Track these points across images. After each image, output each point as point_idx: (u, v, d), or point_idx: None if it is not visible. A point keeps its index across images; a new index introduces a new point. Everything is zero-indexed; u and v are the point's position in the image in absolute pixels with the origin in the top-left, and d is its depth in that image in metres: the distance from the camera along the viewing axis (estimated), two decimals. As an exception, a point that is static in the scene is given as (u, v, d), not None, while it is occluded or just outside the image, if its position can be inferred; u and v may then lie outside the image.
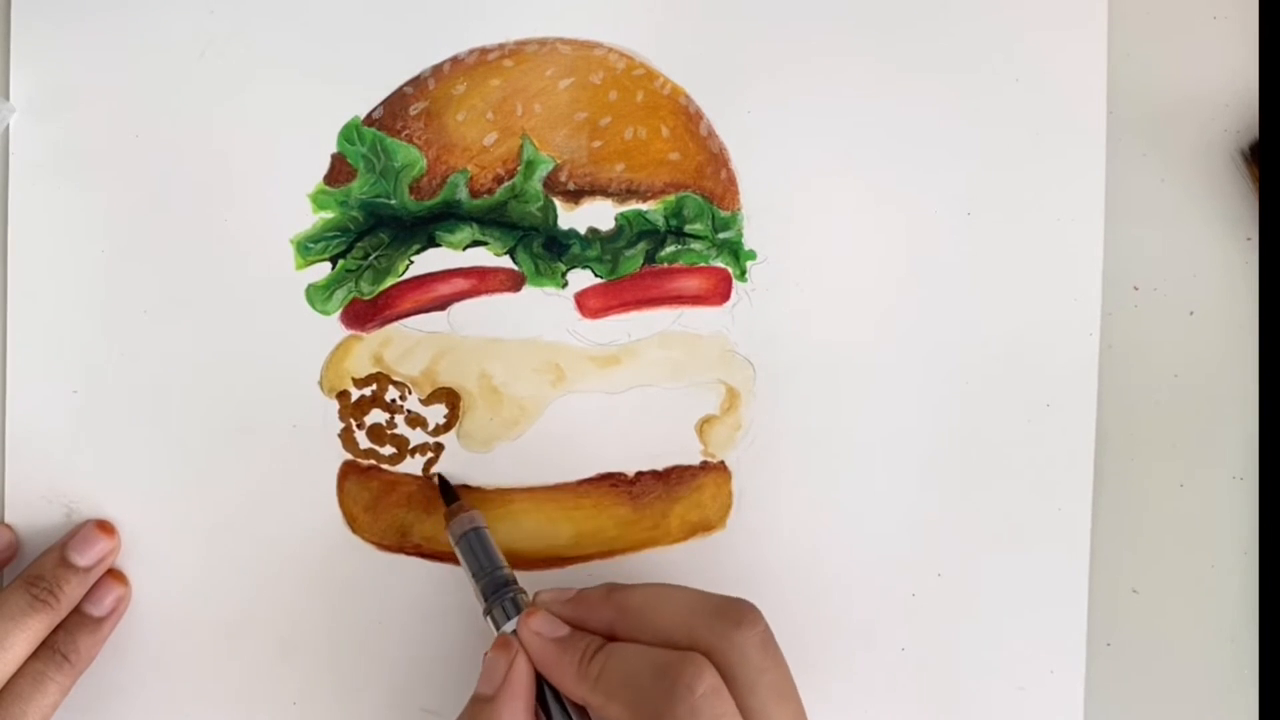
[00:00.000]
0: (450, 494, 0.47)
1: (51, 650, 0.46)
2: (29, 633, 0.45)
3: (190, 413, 0.48)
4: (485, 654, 0.43)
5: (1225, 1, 0.49)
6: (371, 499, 0.48)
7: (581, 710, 0.42)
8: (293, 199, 0.48)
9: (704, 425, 0.48)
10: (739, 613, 0.41)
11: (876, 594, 0.48)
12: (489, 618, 0.44)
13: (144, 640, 0.48)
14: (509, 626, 0.43)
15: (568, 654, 0.41)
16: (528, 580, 0.48)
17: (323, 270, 0.48)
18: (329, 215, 0.48)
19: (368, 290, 0.48)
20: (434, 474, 0.48)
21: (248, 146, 0.48)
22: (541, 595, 0.44)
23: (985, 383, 0.48)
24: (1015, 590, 0.48)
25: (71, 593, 0.46)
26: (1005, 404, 0.48)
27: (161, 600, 0.48)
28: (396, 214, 0.48)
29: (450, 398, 0.48)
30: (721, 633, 0.40)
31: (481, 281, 0.48)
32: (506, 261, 0.48)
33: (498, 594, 0.44)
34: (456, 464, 0.48)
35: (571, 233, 0.48)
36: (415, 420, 0.48)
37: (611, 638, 0.42)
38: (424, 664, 0.48)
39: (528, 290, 0.48)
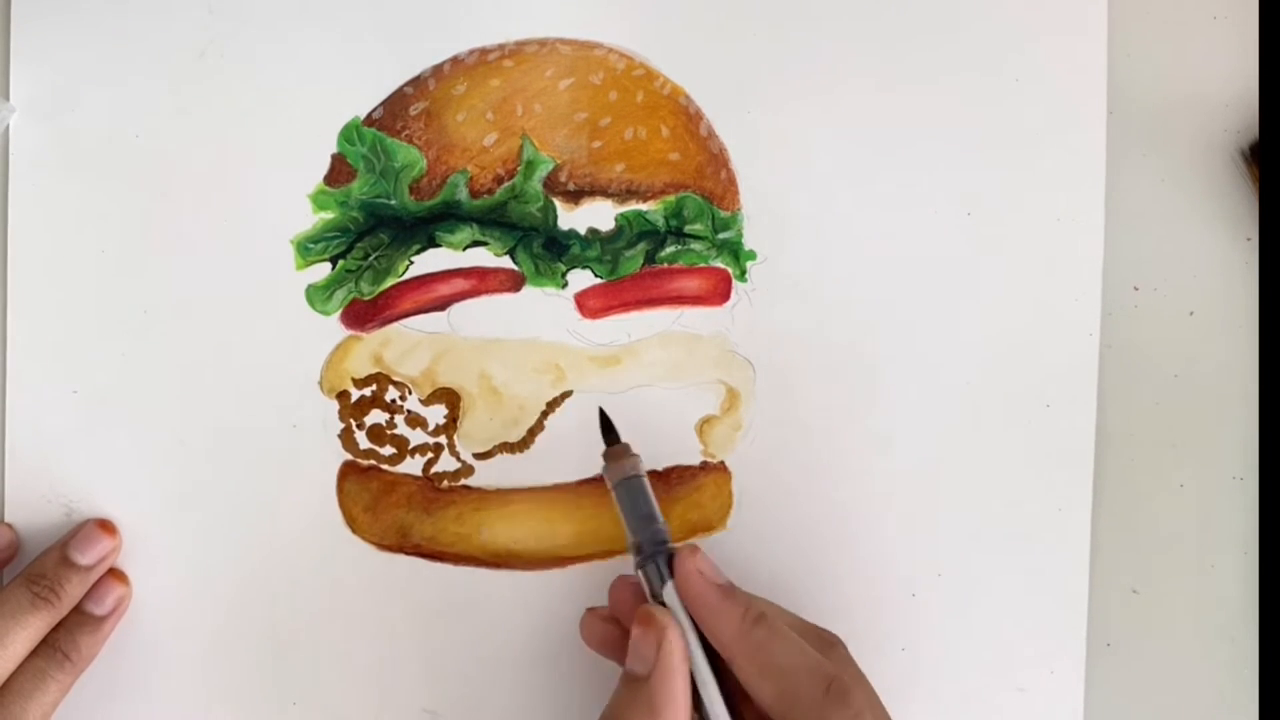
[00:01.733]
0: (612, 433, 0.45)
1: (52, 648, 0.46)
2: (29, 630, 0.45)
3: (190, 413, 0.48)
4: (631, 628, 0.42)
5: (1225, 1, 0.49)
6: (371, 499, 0.48)
7: (730, 687, 0.41)
8: (293, 199, 0.48)
9: (704, 425, 0.48)
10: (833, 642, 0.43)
11: (876, 594, 0.48)
12: (641, 572, 0.42)
13: (144, 640, 0.48)
14: (667, 590, 0.42)
15: (729, 604, 0.41)
16: (527, 579, 0.48)
17: (323, 270, 0.48)
18: (329, 215, 0.48)
19: (368, 290, 0.48)
20: (599, 408, 0.46)
21: (248, 146, 0.48)
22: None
23: (985, 383, 0.48)
24: (1015, 590, 0.48)
25: (72, 591, 0.46)
26: (1005, 404, 0.48)
27: (161, 600, 0.48)
28: (396, 214, 0.48)
29: (450, 398, 0.48)
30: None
31: (481, 281, 0.48)
32: (506, 262, 0.48)
33: (656, 550, 0.42)
34: (454, 465, 0.48)
35: (571, 233, 0.48)
36: (415, 420, 0.48)
37: None
38: (424, 664, 0.48)
39: (528, 290, 0.48)
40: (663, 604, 0.42)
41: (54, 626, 0.46)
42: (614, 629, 0.44)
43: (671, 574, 0.42)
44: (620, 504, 0.44)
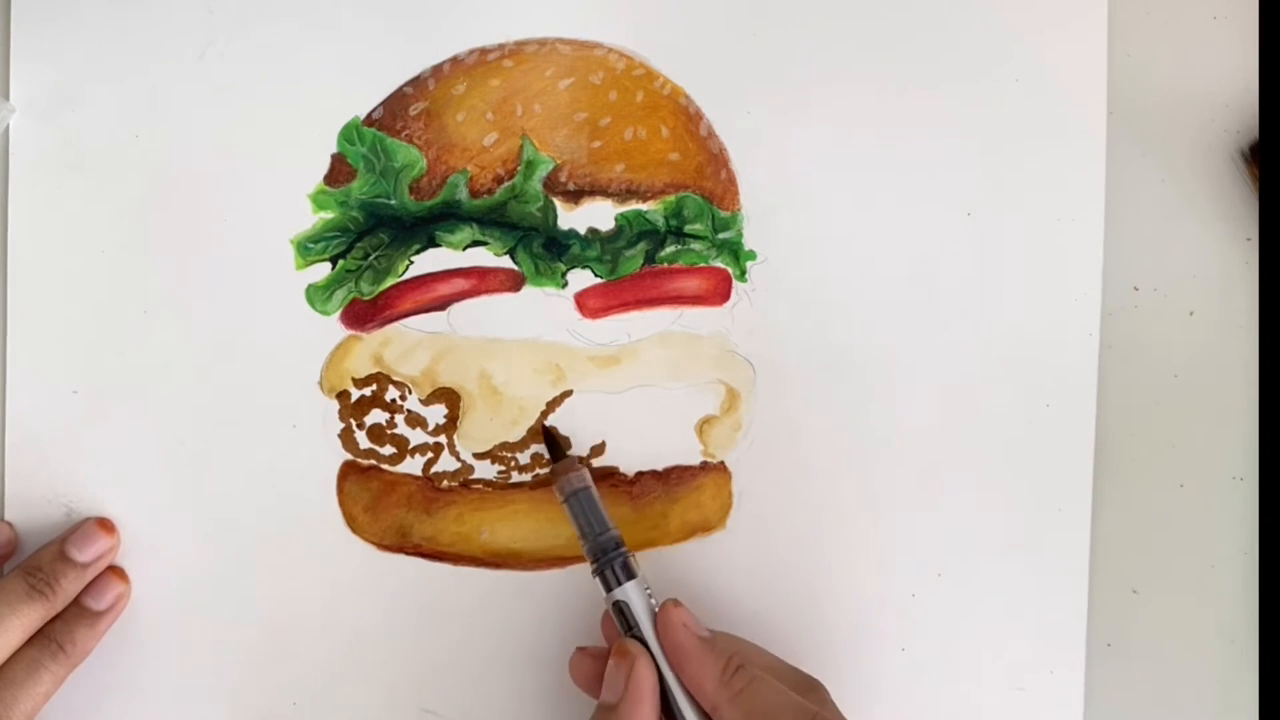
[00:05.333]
0: (557, 449, 0.47)
1: (48, 639, 0.46)
2: (24, 619, 0.45)
3: (190, 413, 0.48)
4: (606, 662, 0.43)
5: (1225, 1, 0.49)
6: (371, 499, 0.48)
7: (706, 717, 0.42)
8: (293, 199, 0.48)
9: (704, 425, 0.48)
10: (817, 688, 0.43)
11: (876, 594, 0.48)
12: (598, 578, 0.44)
13: (143, 639, 0.48)
14: (619, 593, 0.43)
15: (710, 656, 0.42)
16: (527, 579, 0.48)
17: (323, 270, 0.48)
18: (329, 215, 0.48)
19: (368, 290, 0.48)
20: (546, 425, 0.48)
21: (248, 146, 0.48)
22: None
23: (985, 383, 0.48)
24: (1015, 590, 0.48)
25: (69, 586, 0.46)
26: (1005, 404, 0.48)
27: (161, 599, 0.48)
28: (396, 214, 0.48)
29: (450, 398, 0.48)
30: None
31: (481, 281, 0.48)
32: (506, 261, 0.48)
33: (607, 556, 0.44)
34: (454, 465, 0.48)
35: (571, 233, 0.48)
36: (415, 420, 0.48)
37: None
38: (424, 664, 0.48)
39: (528, 290, 0.48)
40: (638, 639, 0.43)
41: (51, 619, 0.46)
42: (599, 666, 0.44)
43: (628, 577, 0.44)
44: (572, 516, 0.45)
